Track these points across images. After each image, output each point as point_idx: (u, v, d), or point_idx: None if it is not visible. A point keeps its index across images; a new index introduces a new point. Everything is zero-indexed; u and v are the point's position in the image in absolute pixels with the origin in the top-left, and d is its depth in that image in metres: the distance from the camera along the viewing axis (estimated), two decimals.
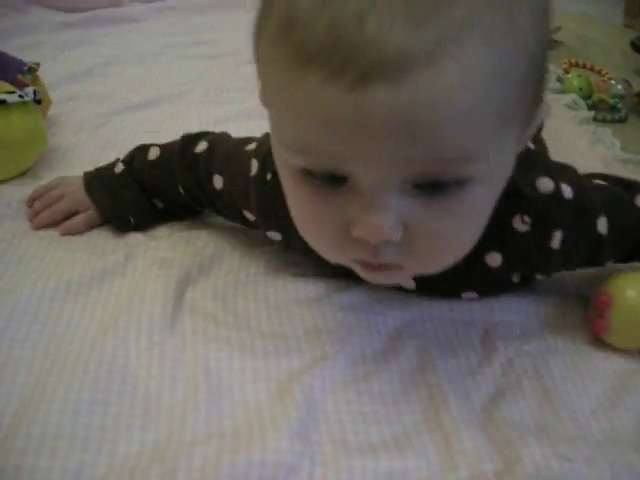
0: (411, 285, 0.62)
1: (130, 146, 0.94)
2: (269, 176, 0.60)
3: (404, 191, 0.41)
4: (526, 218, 0.55)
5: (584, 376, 0.57)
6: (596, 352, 0.60)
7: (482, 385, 0.56)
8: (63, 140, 0.96)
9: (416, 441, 0.50)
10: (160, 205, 0.75)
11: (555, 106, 1.23)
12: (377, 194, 0.41)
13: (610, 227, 0.56)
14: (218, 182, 0.65)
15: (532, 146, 0.61)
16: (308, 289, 0.65)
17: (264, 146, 0.61)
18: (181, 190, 0.71)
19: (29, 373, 0.54)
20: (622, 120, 1.23)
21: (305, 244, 0.52)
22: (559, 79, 1.37)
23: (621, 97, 1.28)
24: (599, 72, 1.42)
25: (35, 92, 0.86)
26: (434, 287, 0.62)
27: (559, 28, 1.69)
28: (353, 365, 0.57)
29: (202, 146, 0.69)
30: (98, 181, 0.75)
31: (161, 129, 1.00)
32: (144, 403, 0.53)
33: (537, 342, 0.60)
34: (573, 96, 1.26)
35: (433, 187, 0.41)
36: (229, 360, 0.57)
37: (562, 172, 0.58)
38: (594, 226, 0.56)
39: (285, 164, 0.46)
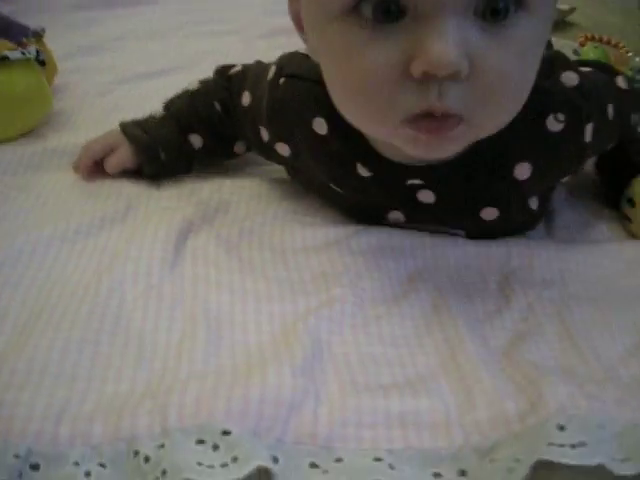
0: (430, 199, 0.58)
1: (137, 112, 0.92)
2: (282, 80, 0.60)
3: (466, 18, 0.40)
4: (560, 116, 0.53)
5: (610, 324, 0.52)
6: (621, 303, 0.55)
7: (500, 329, 0.52)
8: (68, 105, 0.93)
9: (431, 383, 0.46)
10: (197, 143, 0.73)
11: None
12: (440, 19, 0.40)
13: (616, 112, 0.57)
14: (246, 98, 0.65)
15: None
16: (317, 237, 0.61)
17: (285, 57, 0.62)
18: (217, 107, 0.71)
19: (19, 316, 0.51)
20: None
21: (315, 158, 0.50)
22: (575, 52, 1.33)
23: (639, 70, 1.24)
24: (616, 45, 1.37)
25: (38, 52, 0.84)
26: (455, 200, 0.58)
27: (574, 9, 1.66)
28: (362, 308, 0.53)
29: (237, 68, 0.71)
30: (134, 123, 0.75)
31: (169, 96, 0.97)
32: (138, 343, 0.49)
33: (559, 288, 0.56)
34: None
35: (493, 14, 0.41)
36: (230, 303, 0.54)
37: (570, 63, 0.58)
38: (609, 113, 0.57)
39: (329, 9, 0.43)
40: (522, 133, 0.51)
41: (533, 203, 0.59)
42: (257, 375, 0.44)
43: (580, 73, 0.55)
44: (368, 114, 0.47)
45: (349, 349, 0.49)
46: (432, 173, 0.55)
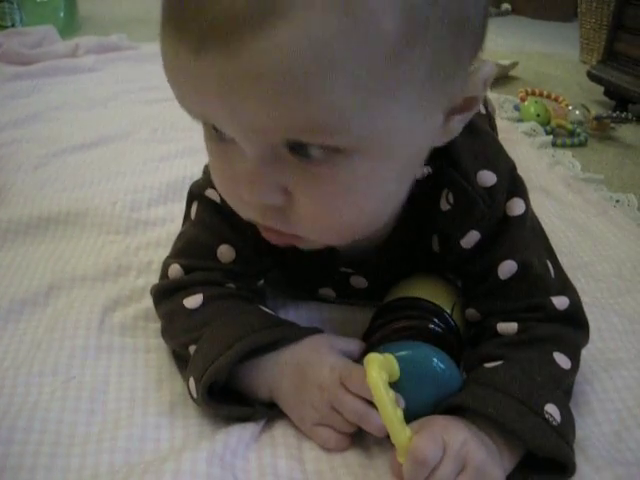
0: (362, 284, 0.57)
1: (71, 184, 0.91)
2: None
3: (280, 156, 0.38)
4: (450, 197, 0.51)
5: None
6: None
7: None
8: (1, 179, 0.90)
9: None
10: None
11: (513, 133, 1.21)
12: (253, 156, 0.38)
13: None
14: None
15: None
16: None
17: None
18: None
19: None
20: (582, 144, 1.21)
21: None
22: (516, 107, 1.36)
23: (580, 123, 1.28)
24: (556, 99, 1.42)
25: None
26: (385, 283, 0.57)
27: (516, 64, 1.71)
28: None
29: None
30: None
31: (103, 167, 0.96)
32: (54, 439, 0.47)
33: None
34: (531, 123, 1.24)
35: (305, 155, 0.38)
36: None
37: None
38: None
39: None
40: (426, 209, 0.51)
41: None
42: (171, 462, 0.43)
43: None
44: (230, 205, 0.46)
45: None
46: (361, 262, 0.55)
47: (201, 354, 0.49)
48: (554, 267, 0.54)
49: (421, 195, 0.49)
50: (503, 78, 1.67)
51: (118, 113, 1.23)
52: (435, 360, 0.46)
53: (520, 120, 1.29)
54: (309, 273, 0.58)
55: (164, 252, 0.60)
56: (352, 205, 0.41)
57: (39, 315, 0.61)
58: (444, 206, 0.51)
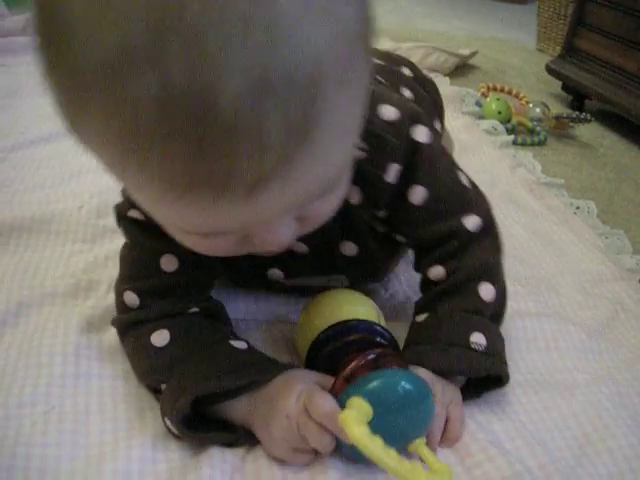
0: (303, 248, 0.59)
1: (31, 182, 0.88)
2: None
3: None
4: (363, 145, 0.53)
5: None
6: None
7: None
8: None
9: None
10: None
11: (475, 131, 1.23)
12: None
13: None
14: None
15: None
16: None
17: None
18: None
19: None
20: (541, 143, 1.24)
21: None
22: (477, 103, 1.37)
23: (539, 120, 1.30)
24: (517, 96, 1.44)
25: None
26: (321, 245, 0.59)
27: (475, 53, 1.72)
28: None
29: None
30: None
31: (63, 164, 0.94)
32: (39, 477, 0.46)
33: None
34: (493, 122, 1.26)
35: None
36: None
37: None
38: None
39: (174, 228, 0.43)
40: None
41: (380, 228, 0.60)
42: None
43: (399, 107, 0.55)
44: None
45: None
46: None
47: (172, 396, 0.49)
48: (463, 182, 0.59)
49: None
50: (462, 67, 1.68)
51: None
52: (401, 383, 0.47)
53: (481, 117, 1.31)
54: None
55: None
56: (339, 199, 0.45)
57: (9, 337, 0.59)
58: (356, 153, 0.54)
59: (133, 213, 0.55)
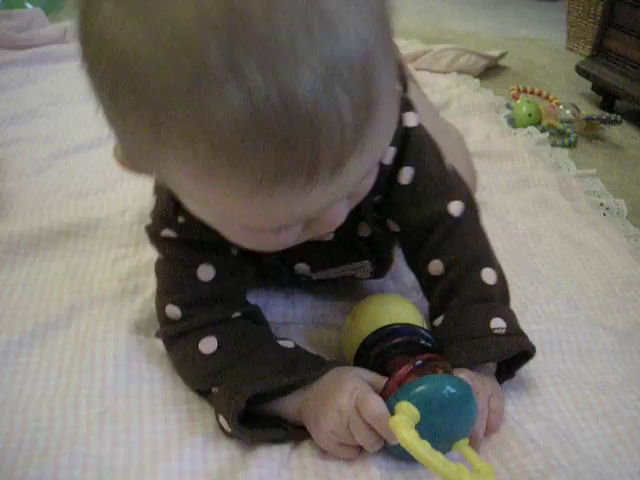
0: (330, 236, 0.60)
1: (76, 188, 0.91)
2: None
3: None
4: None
5: None
6: None
7: None
8: (4, 186, 0.91)
9: None
10: None
11: (509, 137, 1.25)
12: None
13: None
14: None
15: None
16: None
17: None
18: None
19: None
20: (572, 145, 1.24)
21: None
22: (508, 106, 1.38)
23: (570, 122, 1.30)
24: (547, 97, 1.44)
25: None
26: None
27: (505, 54, 1.73)
28: None
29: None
30: None
31: (106, 169, 0.97)
32: (96, 475, 0.49)
33: None
34: (526, 129, 1.26)
35: None
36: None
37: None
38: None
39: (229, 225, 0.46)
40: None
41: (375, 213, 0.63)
42: None
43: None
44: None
45: None
46: None
47: (227, 395, 0.51)
48: (447, 166, 0.62)
49: None
50: (492, 68, 1.69)
51: None
52: (446, 387, 0.49)
53: (512, 119, 1.31)
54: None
55: None
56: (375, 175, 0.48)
57: (63, 339, 0.62)
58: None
59: (165, 232, 0.58)
